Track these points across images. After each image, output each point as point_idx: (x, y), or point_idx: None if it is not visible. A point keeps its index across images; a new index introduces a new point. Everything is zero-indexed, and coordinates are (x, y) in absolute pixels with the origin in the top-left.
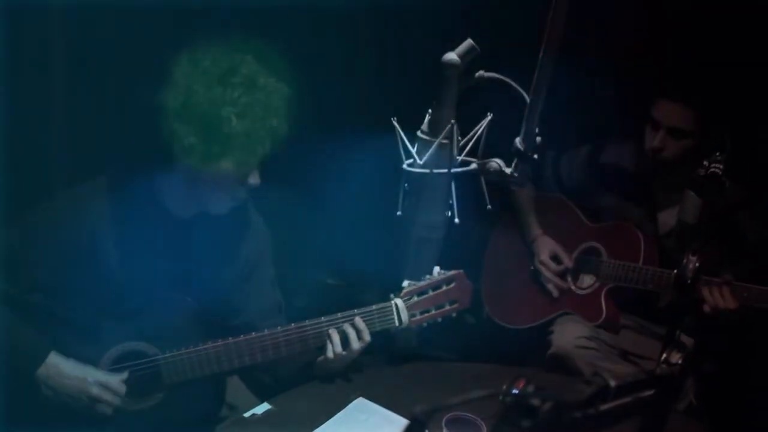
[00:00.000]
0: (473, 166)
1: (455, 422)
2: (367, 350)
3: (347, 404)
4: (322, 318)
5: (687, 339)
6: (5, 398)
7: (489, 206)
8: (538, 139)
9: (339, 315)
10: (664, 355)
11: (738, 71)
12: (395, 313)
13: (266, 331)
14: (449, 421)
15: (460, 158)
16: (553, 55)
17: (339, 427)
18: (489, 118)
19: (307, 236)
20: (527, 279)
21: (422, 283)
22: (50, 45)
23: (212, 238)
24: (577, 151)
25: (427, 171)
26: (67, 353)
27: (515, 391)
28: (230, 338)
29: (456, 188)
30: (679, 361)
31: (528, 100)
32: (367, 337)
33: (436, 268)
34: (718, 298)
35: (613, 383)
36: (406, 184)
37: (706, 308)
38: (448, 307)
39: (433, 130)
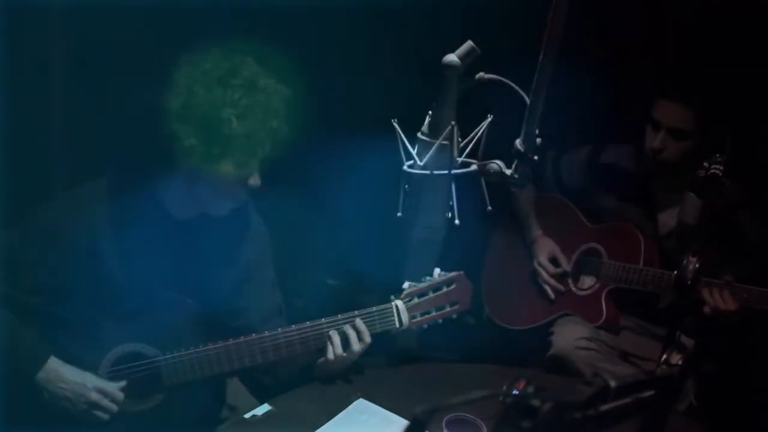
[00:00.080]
0: (473, 167)
1: (455, 423)
2: (367, 351)
3: (348, 405)
4: (323, 319)
5: (687, 340)
6: (5, 401)
7: (489, 207)
8: (539, 140)
9: (339, 316)
10: (664, 356)
11: (738, 72)
12: (396, 315)
13: (266, 333)
14: (449, 422)
15: (460, 159)
16: (553, 56)
17: (339, 428)
18: (489, 119)
19: (307, 237)
20: (527, 280)
21: (423, 285)
22: (50, 45)
23: (212, 240)
24: (577, 152)
25: (427, 172)
26: (67, 355)
27: (515, 392)
28: (230, 340)
29: (456, 189)
30: (679, 362)
31: (528, 101)
32: (368, 339)
33: (437, 270)
34: (718, 299)
35: (613, 384)
36: (406, 186)
37: (707, 310)
38: (448, 309)
39: (434, 132)
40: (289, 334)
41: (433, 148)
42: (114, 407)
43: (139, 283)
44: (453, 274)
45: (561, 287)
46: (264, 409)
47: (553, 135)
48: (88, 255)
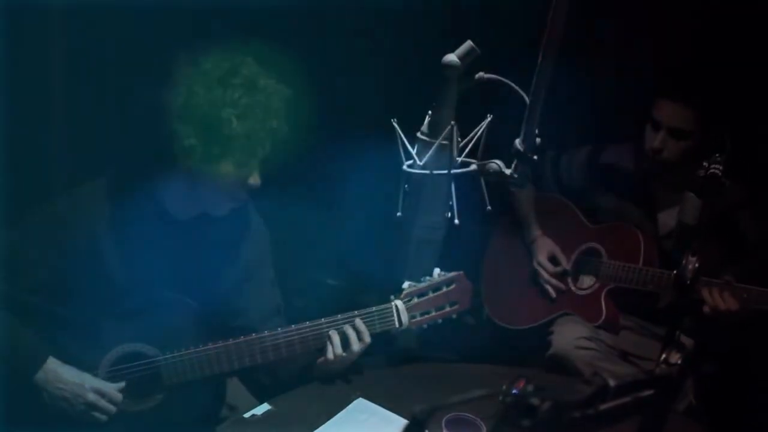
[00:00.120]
0: (473, 167)
1: (455, 422)
2: (367, 351)
3: (347, 405)
4: (323, 319)
5: (686, 339)
6: (4, 401)
7: (489, 207)
8: (538, 140)
9: (339, 316)
10: (664, 356)
11: (738, 72)
12: (395, 315)
13: (266, 333)
14: (449, 422)
15: (459, 159)
16: (553, 56)
17: (339, 428)
18: (489, 119)
19: (307, 237)
20: (527, 280)
21: (422, 285)
22: (50, 45)
23: (212, 240)
24: (576, 151)
25: (427, 172)
26: (66, 355)
27: (515, 391)
28: (230, 339)
29: (456, 189)
30: (679, 362)
31: (528, 101)
32: (367, 339)
33: (437, 270)
34: (718, 299)
35: (612, 383)
36: (406, 185)
37: (706, 309)
38: (448, 309)
39: (433, 132)
40: (288, 334)
41: (433, 147)
42: (112, 408)
43: (139, 282)
44: (453, 274)
45: (562, 286)
46: (264, 408)
47: (552, 135)
48: (88, 254)
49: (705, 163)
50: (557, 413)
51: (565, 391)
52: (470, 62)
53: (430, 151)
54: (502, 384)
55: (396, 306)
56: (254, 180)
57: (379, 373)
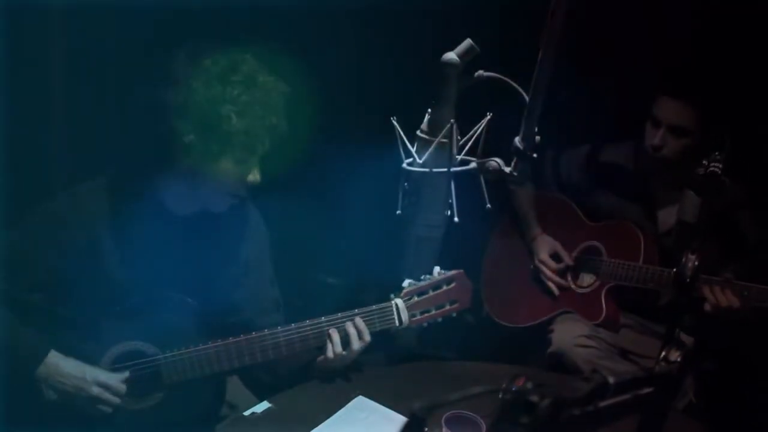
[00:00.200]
0: (473, 165)
1: (455, 420)
2: (367, 349)
3: (347, 402)
4: (323, 318)
5: (686, 337)
6: (5, 398)
7: (488, 205)
8: (538, 138)
9: (339, 315)
10: (663, 353)
11: (738, 72)
12: (395, 313)
13: (266, 331)
14: (449, 419)
15: (459, 157)
16: (553, 54)
17: (339, 426)
18: (488, 117)
19: (307, 236)
20: (527, 278)
21: (422, 283)
22: (50, 45)
23: (212, 236)
24: (576, 149)
25: (426, 170)
26: (67, 353)
27: (515, 388)
28: (230, 338)
29: (455, 187)
30: (678, 360)
31: (527, 99)
32: (367, 338)
33: (437, 268)
34: (720, 296)
35: (611, 381)
36: (405, 184)
37: (708, 307)
38: (448, 307)
39: (433, 130)
40: (289, 332)
41: (433, 146)
42: (116, 400)
43: (139, 279)
44: (453, 272)
45: (564, 283)
46: (263, 406)
47: (552, 133)
48: (88, 252)
49: (704, 162)
50: (557, 410)
51: (564, 388)
52: (470, 60)
53: (430, 150)
54: (502, 381)
55: (396, 304)
56: (254, 177)
57: (378, 370)
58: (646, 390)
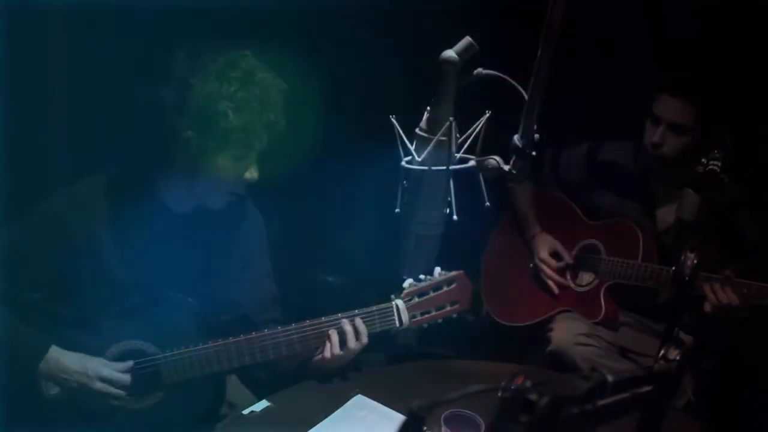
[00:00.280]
0: (471, 163)
1: (454, 419)
2: (366, 348)
3: (346, 401)
4: (323, 318)
5: (685, 336)
6: (7, 397)
7: (487, 203)
8: (537, 136)
9: (340, 315)
10: (662, 352)
11: (739, 72)
12: (396, 314)
13: (266, 331)
14: (448, 418)
15: (458, 155)
16: (551, 52)
17: (338, 424)
18: (487, 115)
19: (306, 234)
20: (526, 276)
21: (423, 284)
22: (50, 45)
23: (210, 231)
24: (576, 148)
25: (425, 168)
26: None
27: (514, 387)
28: (231, 338)
29: (454, 185)
30: (677, 358)
31: (526, 97)
32: (365, 339)
33: (437, 269)
34: (720, 294)
35: (610, 379)
36: (404, 182)
37: (708, 305)
38: (448, 308)
39: (432, 128)
40: (289, 332)
41: (432, 144)
42: (121, 393)
43: (138, 275)
44: (453, 273)
45: (564, 281)
46: (262, 405)
47: (551, 131)
48: (87, 249)
49: (704, 160)
50: (556, 409)
51: (563, 387)
52: (469, 58)
53: (429, 148)
54: (501, 380)
55: (396, 305)
56: (251, 174)
57: (377, 369)
58: (645, 388)
